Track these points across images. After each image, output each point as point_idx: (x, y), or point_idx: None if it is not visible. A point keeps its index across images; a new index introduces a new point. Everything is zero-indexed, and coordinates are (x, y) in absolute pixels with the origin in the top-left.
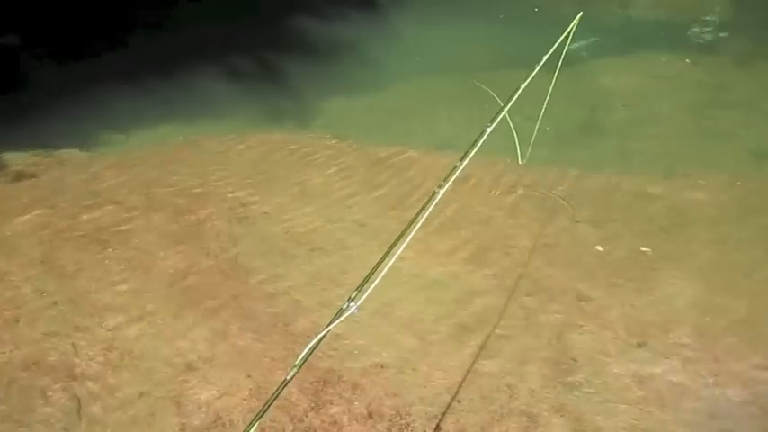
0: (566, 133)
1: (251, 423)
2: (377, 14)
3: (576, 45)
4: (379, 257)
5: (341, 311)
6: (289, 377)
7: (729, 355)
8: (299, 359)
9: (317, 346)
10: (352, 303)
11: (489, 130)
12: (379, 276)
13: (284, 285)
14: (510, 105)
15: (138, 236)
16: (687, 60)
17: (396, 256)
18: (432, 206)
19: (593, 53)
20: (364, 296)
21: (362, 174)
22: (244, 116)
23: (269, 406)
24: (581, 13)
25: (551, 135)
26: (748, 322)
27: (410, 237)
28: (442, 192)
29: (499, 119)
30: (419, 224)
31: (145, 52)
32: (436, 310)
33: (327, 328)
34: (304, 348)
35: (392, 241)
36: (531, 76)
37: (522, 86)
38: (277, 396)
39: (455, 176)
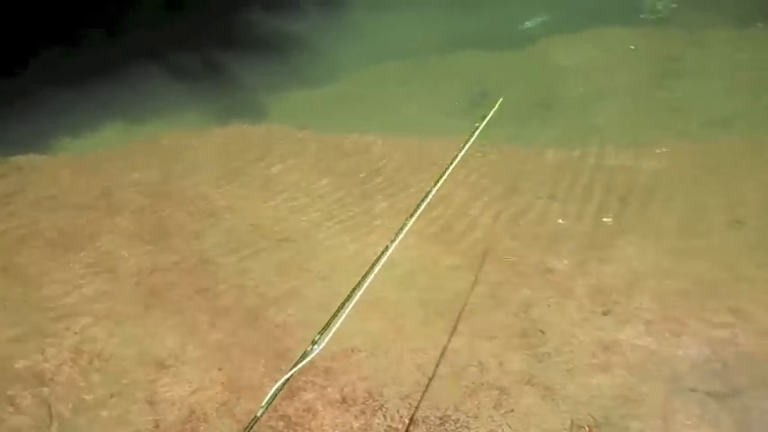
0: (525, 110)
1: None
2: (326, 3)
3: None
4: (344, 251)
5: (305, 354)
6: (258, 414)
7: (690, 316)
8: (264, 400)
9: (281, 388)
10: (316, 347)
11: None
12: (342, 316)
13: (252, 278)
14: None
15: (101, 237)
16: (632, 47)
17: (360, 292)
18: (400, 237)
19: (548, 30)
20: (327, 338)
21: (325, 162)
22: (201, 113)
23: None
24: (501, 99)
25: (511, 113)
26: (706, 283)
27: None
28: (407, 228)
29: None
30: (384, 258)
31: (95, 54)
32: (404, 292)
33: (290, 373)
34: (274, 386)
35: (357, 234)
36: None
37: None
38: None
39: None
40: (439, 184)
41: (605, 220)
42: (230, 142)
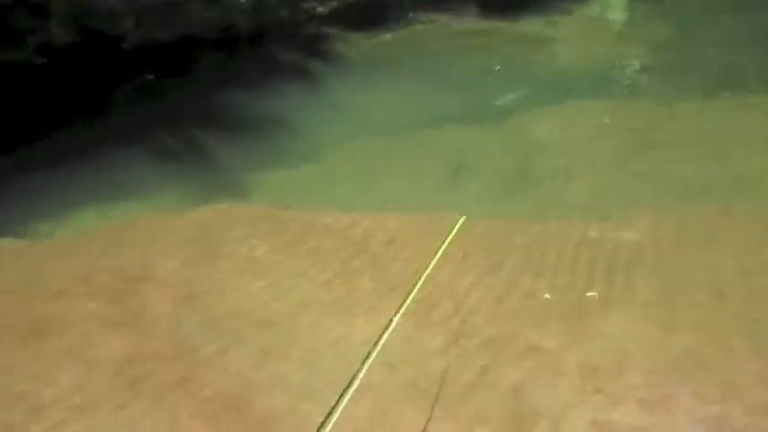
0: (505, 184)
1: None
2: (307, 82)
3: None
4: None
5: None
6: None
7: (681, 393)
8: None
9: None
10: None
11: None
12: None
13: (235, 364)
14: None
15: (78, 324)
16: (606, 120)
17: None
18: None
19: (524, 105)
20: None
21: (307, 242)
22: (181, 194)
23: None
24: (464, 217)
25: (491, 187)
26: (695, 358)
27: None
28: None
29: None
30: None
31: (76, 137)
32: (390, 376)
33: None
34: None
35: (342, 317)
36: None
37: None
38: None
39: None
40: (421, 281)
41: (590, 294)
42: (211, 223)
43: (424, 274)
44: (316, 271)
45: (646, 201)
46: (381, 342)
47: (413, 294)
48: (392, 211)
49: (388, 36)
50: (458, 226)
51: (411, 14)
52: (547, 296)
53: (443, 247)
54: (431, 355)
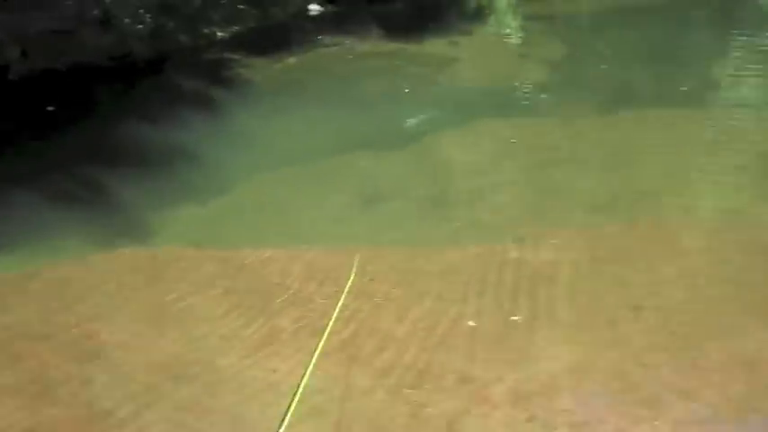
0: (419, 209)
1: None
2: (211, 111)
3: None
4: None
5: None
6: None
7: (611, 413)
8: None
9: None
10: None
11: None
12: None
13: (149, 425)
14: None
15: None
16: (513, 140)
17: None
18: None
19: (432, 127)
20: None
21: (222, 282)
22: (82, 239)
23: None
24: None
25: (405, 212)
26: (619, 376)
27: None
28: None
29: None
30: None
31: None
32: (319, 422)
33: None
34: None
35: (263, 360)
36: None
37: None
38: None
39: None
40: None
41: (514, 318)
42: (117, 269)
43: (336, 311)
44: (234, 313)
45: (557, 218)
46: (302, 386)
47: (327, 331)
48: (307, 243)
49: (292, 60)
50: (355, 263)
51: (315, 38)
52: (471, 323)
53: (349, 283)
54: (360, 395)
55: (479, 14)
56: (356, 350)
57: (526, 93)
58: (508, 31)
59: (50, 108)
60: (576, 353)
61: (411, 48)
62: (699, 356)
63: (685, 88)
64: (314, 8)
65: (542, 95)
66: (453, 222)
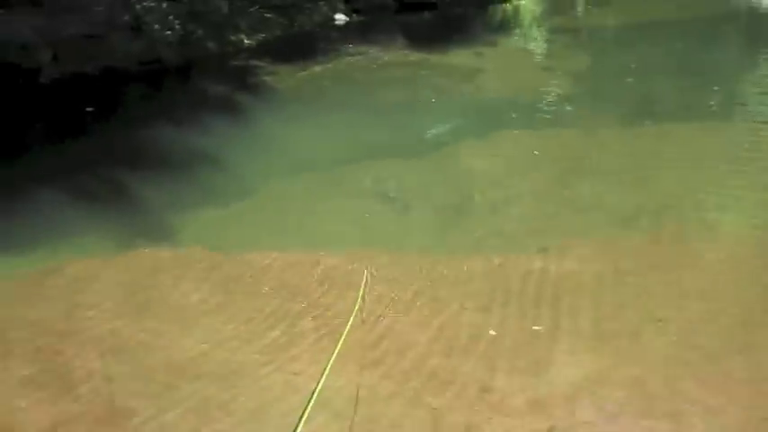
0: (438, 217)
1: None
2: (236, 116)
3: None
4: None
5: None
6: None
7: (633, 427)
8: None
9: None
10: None
11: None
12: None
13: (170, 424)
14: None
15: None
16: (536, 152)
17: None
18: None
19: (455, 136)
20: None
21: (242, 286)
22: (106, 238)
23: None
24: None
25: (425, 221)
26: (641, 388)
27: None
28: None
29: None
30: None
31: None
32: (336, 423)
33: None
34: None
35: (284, 363)
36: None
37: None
38: None
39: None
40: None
41: (536, 328)
42: (139, 269)
43: (353, 316)
44: (254, 316)
45: (580, 229)
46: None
47: (344, 336)
48: (328, 248)
49: (317, 68)
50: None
51: (341, 47)
52: (492, 332)
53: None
54: (380, 401)
55: (504, 27)
56: (377, 356)
57: (550, 104)
58: (533, 43)
59: (89, 109)
60: (598, 364)
61: (435, 58)
62: (723, 371)
63: (711, 103)
64: (340, 17)
65: (566, 107)
66: (476, 231)
